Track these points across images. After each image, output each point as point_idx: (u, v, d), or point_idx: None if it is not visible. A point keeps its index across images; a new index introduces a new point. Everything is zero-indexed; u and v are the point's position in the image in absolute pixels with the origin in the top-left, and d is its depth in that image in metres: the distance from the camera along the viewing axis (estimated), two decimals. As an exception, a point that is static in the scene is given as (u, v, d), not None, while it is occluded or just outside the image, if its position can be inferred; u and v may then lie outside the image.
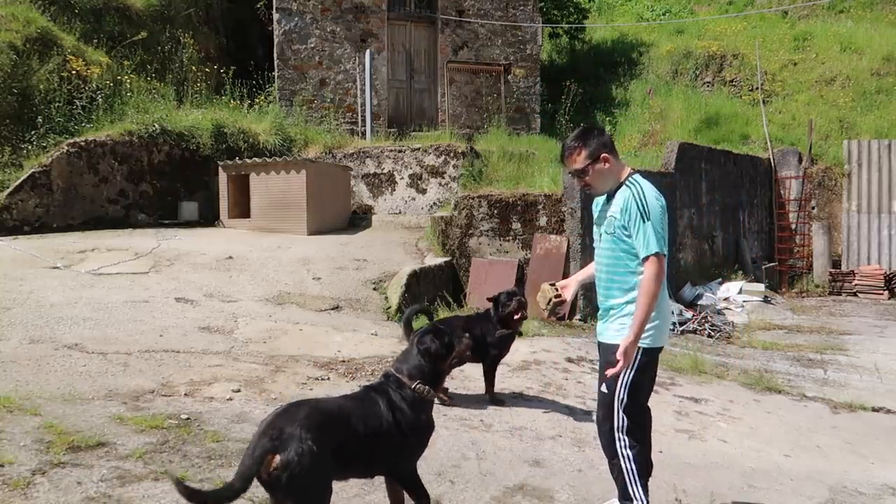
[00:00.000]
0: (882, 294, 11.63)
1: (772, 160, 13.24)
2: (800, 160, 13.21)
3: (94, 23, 11.40)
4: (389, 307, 7.34)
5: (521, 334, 5.25)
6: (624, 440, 3.08)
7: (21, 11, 10.04)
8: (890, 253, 12.39)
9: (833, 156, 13.24)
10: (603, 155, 3.12)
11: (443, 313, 7.66)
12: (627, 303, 3.10)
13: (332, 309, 7.02)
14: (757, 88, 15.24)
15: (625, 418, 3.06)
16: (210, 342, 5.60)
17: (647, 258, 2.99)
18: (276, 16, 12.92)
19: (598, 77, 16.78)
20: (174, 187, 10.22)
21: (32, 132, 9.21)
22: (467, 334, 3.65)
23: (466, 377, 5.53)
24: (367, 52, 12.81)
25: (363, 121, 12.81)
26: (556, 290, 3.33)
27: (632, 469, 3.08)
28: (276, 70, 12.92)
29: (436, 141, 11.41)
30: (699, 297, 9.96)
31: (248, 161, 9.98)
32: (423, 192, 10.85)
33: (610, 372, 3.02)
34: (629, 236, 3.07)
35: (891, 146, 12.67)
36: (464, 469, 3.80)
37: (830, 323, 9.51)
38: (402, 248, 9.10)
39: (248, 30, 14.89)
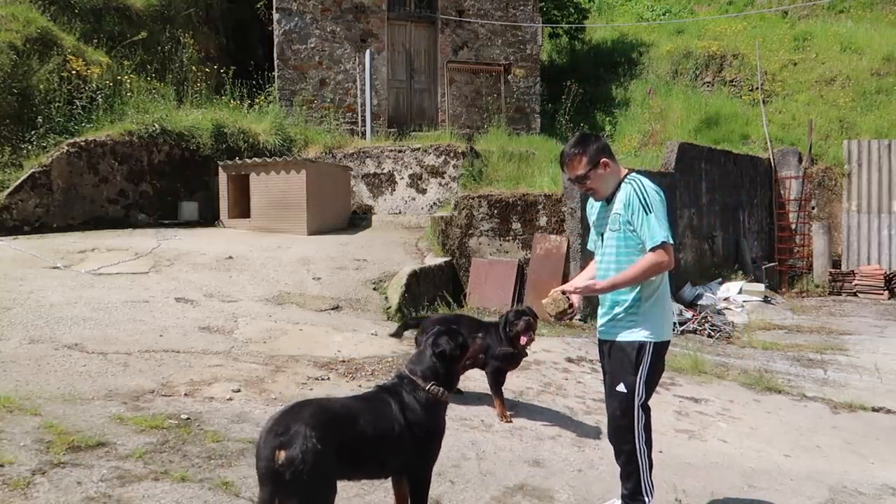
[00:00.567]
0: (882, 294, 11.63)
1: (772, 160, 13.24)
2: (800, 160, 13.21)
3: (94, 23, 11.40)
4: (389, 307, 7.34)
5: (526, 355, 4.85)
6: (643, 435, 3.15)
7: (21, 11, 10.04)
8: (890, 253, 12.39)
9: (833, 156, 13.24)
10: (602, 160, 3.18)
11: (443, 313, 7.67)
12: (636, 300, 3.14)
13: (332, 309, 7.02)
14: (757, 88, 15.24)
15: (643, 415, 3.15)
16: (210, 342, 5.60)
17: (653, 248, 3.05)
18: (276, 16, 12.92)
19: (598, 77, 16.78)
20: (174, 187, 10.22)
21: (32, 132, 9.21)
22: (480, 335, 3.61)
23: (466, 377, 5.53)
24: (367, 52, 12.81)
25: (363, 121, 12.81)
26: (568, 300, 3.30)
27: (648, 463, 3.17)
28: (276, 70, 12.92)
29: (436, 141, 11.42)
30: (699, 297, 9.96)
31: (248, 161, 9.98)
32: (423, 192, 10.85)
33: (576, 290, 3.22)
34: (633, 231, 3.12)
35: (891, 146, 12.67)
36: (464, 469, 3.80)
37: (830, 323, 9.51)
38: (402, 248, 9.10)
39: (248, 30, 14.89)
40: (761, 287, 10.89)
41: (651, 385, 3.21)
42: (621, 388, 3.15)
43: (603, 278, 3.27)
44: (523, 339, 4.53)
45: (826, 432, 5.07)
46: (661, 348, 3.19)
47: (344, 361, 5.59)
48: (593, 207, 3.42)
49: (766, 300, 10.58)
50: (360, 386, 4.96)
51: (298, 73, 13.03)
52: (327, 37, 13.17)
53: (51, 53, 9.87)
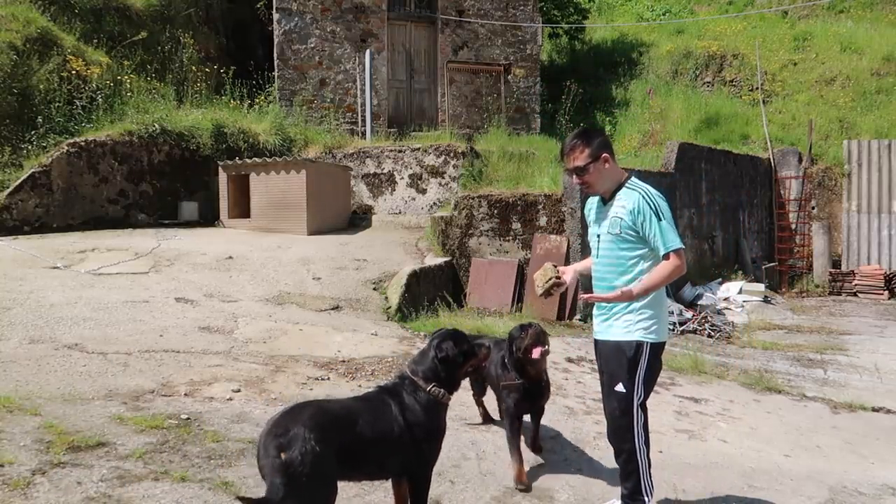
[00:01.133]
0: (882, 294, 11.63)
1: (772, 160, 13.24)
2: (800, 160, 13.21)
3: (94, 23, 11.40)
4: (389, 307, 7.34)
5: (543, 385, 3.94)
6: (642, 434, 3.16)
7: (21, 11, 10.04)
8: (890, 253, 12.40)
9: (833, 156, 13.24)
10: (604, 155, 3.19)
11: (442, 313, 7.67)
12: (633, 300, 3.14)
13: (332, 309, 7.02)
14: (757, 88, 15.24)
15: (642, 414, 3.16)
16: (210, 342, 5.60)
17: (667, 254, 3.08)
18: (276, 16, 12.92)
19: (598, 77, 16.78)
20: (174, 187, 10.22)
21: (32, 132, 9.21)
22: (488, 343, 3.41)
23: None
24: (367, 52, 12.81)
25: (363, 121, 12.81)
26: (557, 272, 3.37)
27: (647, 462, 3.18)
28: (276, 70, 12.92)
29: (436, 141, 11.41)
30: (699, 297, 9.96)
31: (248, 161, 9.98)
32: (423, 192, 10.85)
33: (594, 297, 3.17)
34: (635, 236, 3.13)
35: (891, 146, 12.67)
36: (464, 469, 3.80)
37: (830, 323, 9.51)
38: (402, 248, 9.10)
39: (248, 30, 14.89)
40: (761, 287, 10.89)
41: (649, 385, 3.22)
42: (620, 387, 3.16)
43: (601, 280, 3.29)
44: (535, 352, 3.71)
45: (826, 432, 5.07)
46: (658, 349, 3.20)
47: (344, 361, 5.59)
48: (591, 206, 3.42)
49: (766, 300, 10.59)
50: (360, 386, 4.96)
51: (298, 73, 13.03)
52: (327, 37, 13.17)
53: (51, 53, 9.87)
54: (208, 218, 10.23)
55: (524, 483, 3.62)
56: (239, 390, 4.64)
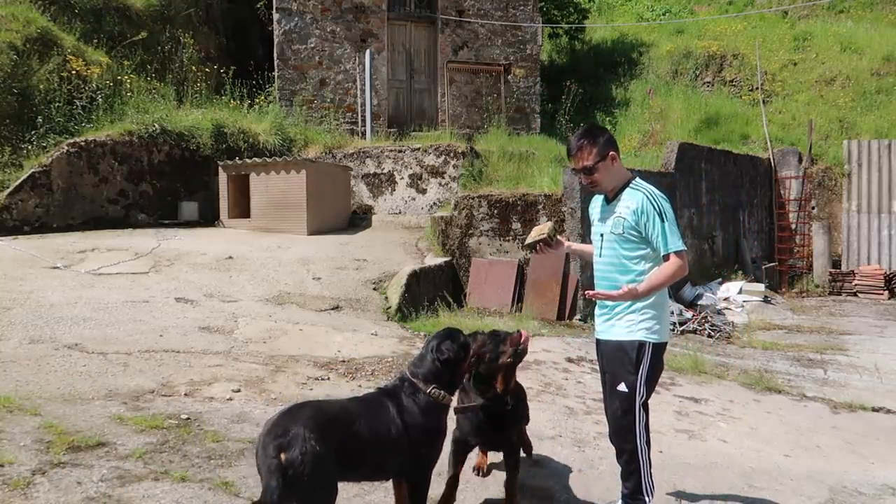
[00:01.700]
0: (882, 294, 11.63)
1: (772, 160, 13.24)
2: (800, 160, 13.21)
3: (94, 23, 11.39)
4: (389, 307, 7.34)
5: (511, 407, 3.30)
6: (644, 434, 3.16)
7: (21, 11, 10.04)
8: (890, 253, 12.40)
9: (833, 156, 13.25)
10: (611, 153, 3.20)
11: (442, 313, 7.67)
12: (636, 300, 3.15)
13: (332, 309, 7.02)
14: (757, 88, 15.24)
15: (643, 413, 3.16)
16: (210, 342, 5.60)
17: (668, 255, 3.09)
18: (276, 16, 12.92)
19: (598, 77, 16.78)
20: (174, 187, 10.22)
21: (32, 132, 9.21)
22: (481, 332, 3.24)
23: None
24: (367, 52, 12.81)
25: (363, 121, 12.81)
26: (555, 233, 3.39)
27: (648, 462, 3.18)
28: (276, 70, 12.92)
29: (436, 141, 11.41)
30: (699, 297, 9.97)
31: (248, 161, 9.98)
32: (423, 192, 10.85)
33: (599, 294, 3.14)
34: (638, 237, 3.14)
35: (891, 146, 12.67)
36: (464, 469, 3.80)
37: (830, 323, 9.51)
38: (402, 248, 9.10)
39: (248, 30, 14.89)
40: (761, 287, 10.89)
41: (651, 385, 3.22)
42: (622, 387, 3.16)
43: (603, 279, 3.29)
44: (504, 358, 3.15)
45: (826, 432, 5.07)
46: (660, 349, 3.21)
47: (344, 361, 5.59)
48: (595, 205, 3.43)
49: (766, 300, 10.59)
50: (360, 386, 4.96)
51: (298, 73, 13.03)
52: (327, 37, 13.17)
53: (51, 53, 9.87)
54: (208, 218, 10.23)
55: None
56: (239, 390, 4.64)
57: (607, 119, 15.19)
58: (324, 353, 5.73)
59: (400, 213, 10.85)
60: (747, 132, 14.05)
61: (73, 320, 5.60)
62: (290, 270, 7.79)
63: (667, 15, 19.60)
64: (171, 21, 12.64)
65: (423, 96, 14.03)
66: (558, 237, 3.47)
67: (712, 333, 8.40)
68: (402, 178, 10.96)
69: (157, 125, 9.94)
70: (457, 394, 3.18)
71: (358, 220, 10.71)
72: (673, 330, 8.45)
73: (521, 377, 5.71)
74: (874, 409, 5.62)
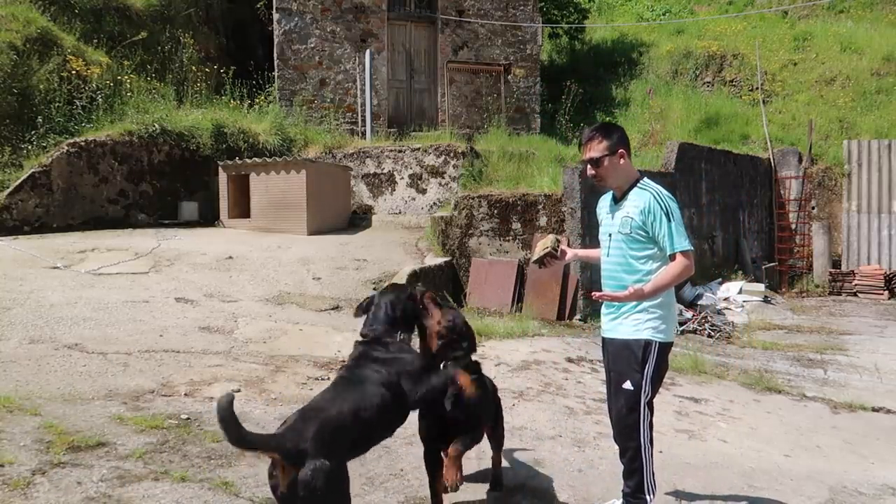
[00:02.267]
0: (882, 294, 11.63)
1: (772, 160, 13.24)
2: (800, 160, 13.21)
3: (94, 23, 11.39)
4: (389, 307, 7.32)
5: (473, 371, 3.19)
6: (648, 433, 3.18)
7: (21, 11, 10.04)
8: (890, 253, 12.40)
9: (833, 156, 13.25)
10: (620, 150, 3.23)
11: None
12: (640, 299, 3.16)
13: (332, 309, 7.02)
14: (757, 88, 15.24)
15: (648, 412, 3.18)
16: (210, 342, 5.60)
17: (674, 255, 3.11)
18: (276, 16, 12.92)
19: (598, 77, 16.78)
20: (174, 187, 10.22)
21: (32, 132, 9.20)
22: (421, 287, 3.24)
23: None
24: (367, 52, 12.81)
25: (363, 121, 12.81)
26: (558, 245, 3.42)
27: (651, 461, 3.20)
28: (276, 70, 12.92)
29: (436, 141, 11.41)
30: (699, 297, 9.97)
31: (248, 161, 9.98)
32: (423, 192, 10.85)
33: (605, 296, 3.14)
34: (645, 236, 3.15)
35: (891, 146, 12.67)
36: (464, 469, 3.80)
37: (830, 323, 9.51)
38: (402, 248, 9.10)
39: (248, 30, 14.89)
40: (761, 287, 10.89)
41: (656, 384, 3.23)
42: (628, 385, 3.17)
43: (610, 279, 3.30)
44: (437, 324, 3.11)
45: (826, 432, 5.07)
46: (665, 348, 3.22)
47: (344, 361, 5.58)
48: (602, 204, 3.45)
49: (766, 300, 10.59)
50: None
51: (298, 73, 13.03)
52: (327, 37, 13.17)
53: (51, 53, 9.87)
54: (208, 218, 10.23)
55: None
56: (239, 390, 4.64)
57: (607, 119, 15.19)
58: (324, 353, 5.73)
59: (400, 213, 10.85)
60: (747, 132, 14.05)
61: (73, 320, 5.60)
62: (290, 270, 7.79)
63: (667, 15, 19.60)
64: (171, 21, 12.64)
65: (423, 96, 14.03)
66: (563, 247, 3.49)
67: (712, 333, 8.41)
68: (402, 178, 10.96)
69: (157, 125, 9.93)
70: None
71: (358, 220, 10.71)
72: (675, 332, 8.44)
73: (522, 377, 5.73)
74: (874, 409, 5.63)
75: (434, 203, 10.69)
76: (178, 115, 10.55)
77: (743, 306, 9.99)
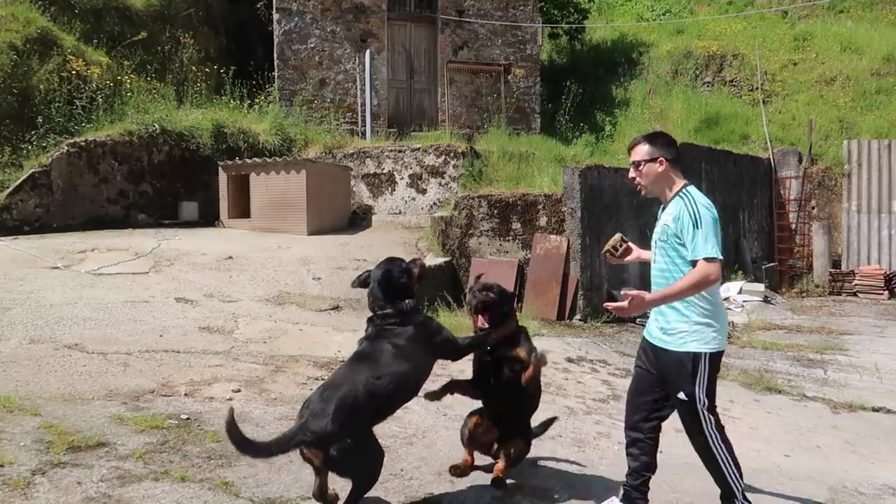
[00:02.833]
0: (882, 294, 11.63)
1: (772, 160, 13.24)
2: (800, 160, 13.21)
3: (94, 23, 11.39)
4: (389, 307, 7.32)
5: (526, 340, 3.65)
6: (717, 435, 3.19)
7: (21, 11, 10.04)
8: (890, 253, 12.39)
9: (833, 156, 13.24)
10: (660, 158, 3.27)
11: (442, 313, 7.67)
12: (680, 308, 3.18)
13: (332, 309, 7.02)
14: (757, 88, 15.24)
15: (711, 418, 3.19)
16: (210, 342, 5.60)
17: (695, 262, 3.08)
18: (276, 16, 12.92)
19: (598, 77, 16.77)
20: (174, 187, 10.22)
21: (32, 132, 9.20)
22: (418, 260, 3.50)
23: (463, 370, 5.53)
24: (367, 52, 12.81)
25: (363, 121, 12.81)
26: (622, 244, 3.56)
27: (730, 464, 3.22)
28: (276, 70, 12.92)
29: (436, 141, 11.41)
30: (699, 297, 9.95)
31: (248, 161, 9.98)
32: (423, 192, 10.85)
33: (612, 306, 3.22)
34: (681, 243, 3.17)
35: (891, 146, 12.67)
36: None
37: (830, 323, 9.51)
38: (402, 248, 9.10)
39: (248, 30, 14.89)
40: (761, 287, 10.89)
41: (712, 390, 3.20)
42: (682, 395, 3.19)
43: (655, 286, 3.33)
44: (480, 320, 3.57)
45: (826, 432, 5.07)
46: (716, 357, 3.19)
47: (344, 361, 5.59)
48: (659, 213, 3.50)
49: (766, 300, 10.59)
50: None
51: (298, 73, 13.03)
52: (327, 37, 13.17)
53: (51, 53, 9.87)
54: (208, 218, 10.23)
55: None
56: (239, 390, 4.64)
57: (607, 119, 15.19)
58: (324, 353, 5.73)
59: (400, 213, 10.85)
60: (747, 132, 14.05)
61: (73, 320, 5.60)
62: (290, 270, 7.79)
63: (667, 15, 19.59)
64: (171, 21, 12.64)
65: (423, 96, 14.03)
66: (628, 245, 3.59)
67: (712, 333, 8.40)
68: (402, 178, 10.96)
69: (157, 125, 9.94)
70: None
71: (358, 220, 10.71)
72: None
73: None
74: (874, 409, 5.63)
75: (434, 203, 10.69)
76: (178, 115, 10.55)
77: (743, 306, 9.99)
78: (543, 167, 10.32)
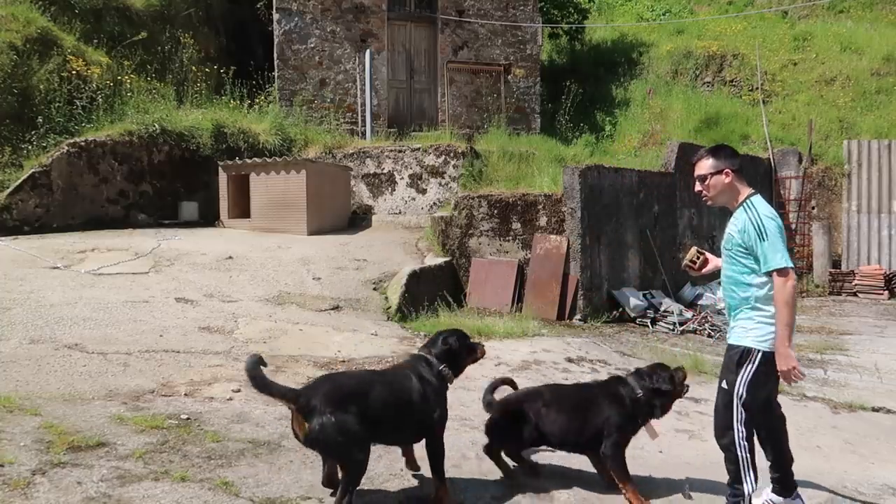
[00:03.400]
0: (882, 294, 11.63)
1: (772, 160, 13.24)
2: (800, 160, 13.20)
3: (94, 23, 11.39)
4: (389, 307, 7.34)
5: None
6: (742, 431, 3.30)
7: (21, 11, 10.04)
8: (890, 253, 12.39)
9: (833, 156, 13.24)
10: (725, 170, 3.40)
11: (443, 313, 7.68)
12: (745, 309, 3.32)
13: (332, 309, 7.02)
14: (757, 88, 15.24)
15: (743, 411, 3.28)
16: (210, 342, 5.60)
17: (770, 273, 3.19)
18: (276, 16, 12.92)
19: (598, 77, 16.77)
20: (174, 187, 10.22)
21: (32, 132, 9.21)
22: (482, 344, 3.76)
23: (467, 377, 5.53)
24: (367, 52, 12.82)
25: (363, 121, 12.81)
26: (699, 256, 3.78)
27: (746, 457, 3.31)
28: (276, 70, 12.92)
29: (436, 141, 11.42)
30: (699, 297, 9.96)
31: (248, 161, 9.98)
32: (423, 192, 10.85)
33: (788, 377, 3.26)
34: (745, 253, 3.29)
35: (891, 146, 12.67)
36: (464, 469, 3.80)
37: (830, 323, 9.51)
38: (402, 248, 9.10)
39: (248, 30, 14.89)
40: (761, 287, 10.87)
41: (756, 388, 3.26)
42: (724, 384, 3.36)
43: (725, 293, 3.48)
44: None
45: (826, 432, 5.07)
46: (769, 357, 3.23)
47: (344, 361, 5.59)
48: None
49: (766, 300, 10.57)
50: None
51: (298, 73, 13.03)
52: (327, 37, 13.17)
53: (51, 53, 9.87)
54: (208, 218, 10.23)
55: None
56: (239, 390, 4.64)
57: (607, 119, 15.19)
58: (324, 353, 5.73)
59: (400, 213, 10.85)
60: (747, 132, 14.04)
61: (73, 320, 5.60)
62: (290, 270, 7.79)
63: (667, 15, 19.59)
64: (171, 21, 12.64)
65: (423, 96, 14.03)
66: (705, 256, 3.79)
67: (712, 333, 8.40)
68: (402, 178, 10.96)
69: (157, 125, 9.94)
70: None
71: (358, 220, 10.71)
72: (673, 330, 8.45)
73: (522, 377, 5.72)
74: (874, 409, 5.62)
75: (434, 203, 10.69)
76: (178, 115, 10.55)
77: (743, 306, 9.98)
78: (543, 167, 10.32)
